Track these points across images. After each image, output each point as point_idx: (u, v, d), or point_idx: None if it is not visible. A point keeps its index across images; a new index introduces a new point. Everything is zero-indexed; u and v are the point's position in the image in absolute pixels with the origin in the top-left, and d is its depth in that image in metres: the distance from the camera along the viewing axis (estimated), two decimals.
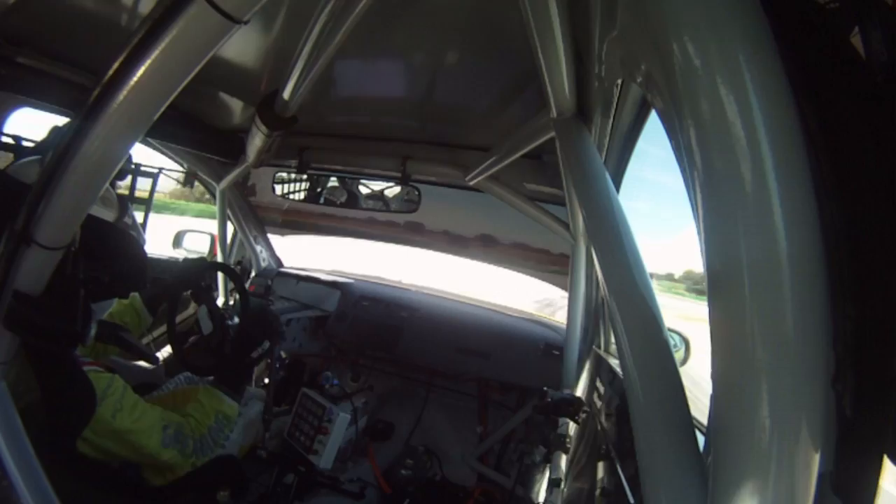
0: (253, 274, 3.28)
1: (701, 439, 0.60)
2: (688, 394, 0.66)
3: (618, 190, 1.00)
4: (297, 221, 3.31)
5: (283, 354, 2.31)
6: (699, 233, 0.49)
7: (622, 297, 0.77)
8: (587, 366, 2.26)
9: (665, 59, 0.52)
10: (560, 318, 2.96)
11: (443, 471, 2.75)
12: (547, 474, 1.99)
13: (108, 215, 1.58)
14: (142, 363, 2.12)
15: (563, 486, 1.88)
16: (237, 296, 2.34)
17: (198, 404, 1.78)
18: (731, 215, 0.45)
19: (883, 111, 0.40)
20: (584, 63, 1.01)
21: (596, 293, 2.22)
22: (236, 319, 2.23)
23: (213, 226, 3.09)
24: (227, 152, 2.31)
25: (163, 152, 2.62)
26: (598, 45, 0.90)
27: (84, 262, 1.28)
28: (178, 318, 2.41)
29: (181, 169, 2.86)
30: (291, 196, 2.59)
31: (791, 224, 0.42)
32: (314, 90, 1.65)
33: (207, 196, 3.19)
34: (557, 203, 2.17)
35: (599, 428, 1.73)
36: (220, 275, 3.02)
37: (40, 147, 1.56)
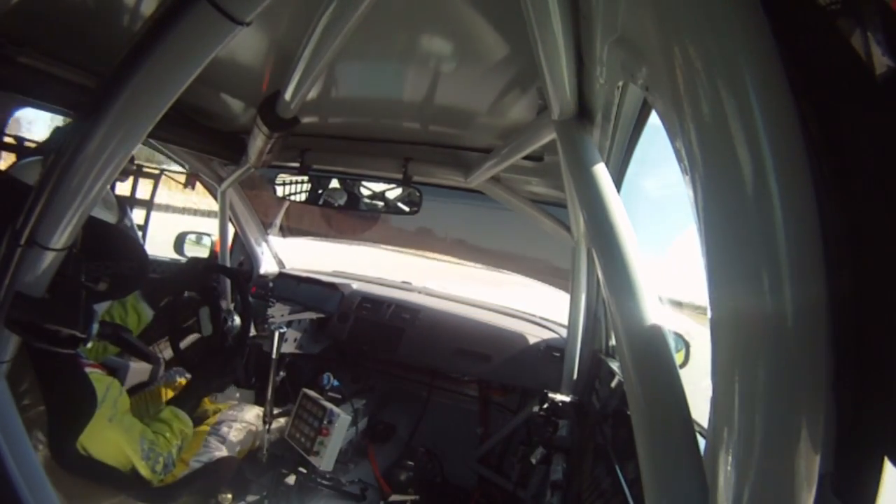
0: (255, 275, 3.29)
1: (701, 441, 0.60)
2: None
3: (619, 191, 1.00)
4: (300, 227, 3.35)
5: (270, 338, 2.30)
6: (699, 233, 0.49)
7: (623, 299, 0.77)
8: (588, 368, 2.26)
9: (666, 60, 0.52)
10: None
11: (443, 472, 2.75)
12: (547, 476, 1.99)
13: (110, 217, 1.58)
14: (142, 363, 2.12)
15: (563, 487, 1.87)
16: (238, 297, 2.34)
17: (164, 425, 1.77)
18: (731, 215, 0.45)
19: (883, 112, 0.40)
20: (586, 65, 1.02)
21: (597, 295, 2.22)
22: (237, 320, 2.24)
23: None
24: (228, 153, 2.31)
25: (164, 153, 2.63)
26: (599, 47, 0.90)
27: (85, 264, 1.29)
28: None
29: (183, 170, 2.87)
30: (292, 197, 2.59)
31: (791, 224, 0.42)
32: (316, 91, 1.65)
33: None
34: (558, 205, 2.17)
35: (600, 430, 1.72)
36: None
37: (42, 148, 1.57)
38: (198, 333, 2.20)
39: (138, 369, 2.19)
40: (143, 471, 1.59)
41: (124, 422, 1.55)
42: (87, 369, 1.49)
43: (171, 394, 2.08)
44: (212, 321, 2.15)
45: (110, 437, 1.48)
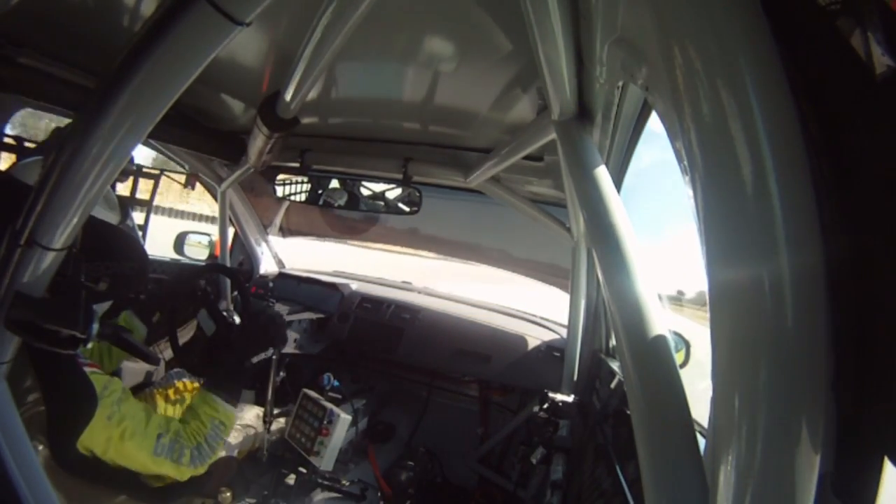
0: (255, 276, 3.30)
1: (701, 441, 0.60)
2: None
3: (619, 191, 1.00)
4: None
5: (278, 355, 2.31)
6: (699, 233, 0.49)
7: (623, 299, 0.77)
8: (588, 367, 2.26)
9: (665, 60, 0.52)
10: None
11: (443, 472, 2.75)
12: (547, 476, 1.99)
13: (112, 217, 1.59)
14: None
15: (563, 487, 1.87)
16: (238, 296, 2.35)
17: (192, 412, 1.75)
18: (732, 216, 0.45)
19: (883, 112, 0.40)
20: (586, 65, 1.01)
21: (597, 295, 2.22)
22: (237, 320, 2.24)
23: None
24: (228, 154, 2.31)
25: (164, 153, 2.63)
26: (599, 48, 0.90)
27: (85, 264, 1.29)
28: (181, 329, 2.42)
29: (182, 170, 2.87)
30: (292, 197, 2.59)
31: (791, 224, 0.42)
32: (316, 92, 1.65)
33: None
34: (558, 205, 2.17)
35: (600, 430, 1.72)
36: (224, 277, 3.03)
37: (42, 148, 1.57)
38: (201, 334, 2.22)
39: (135, 369, 2.20)
40: (160, 467, 1.56)
41: (136, 418, 1.52)
42: (86, 369, 1.49)
43: (163, 401, 2.07)
44: (212, 318, 2.16)
45: (112, 436, 1.47)
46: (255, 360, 2.12)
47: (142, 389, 2.11)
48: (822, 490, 0.43)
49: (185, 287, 2.34)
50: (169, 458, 1.58)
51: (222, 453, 1.96)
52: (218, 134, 2.23)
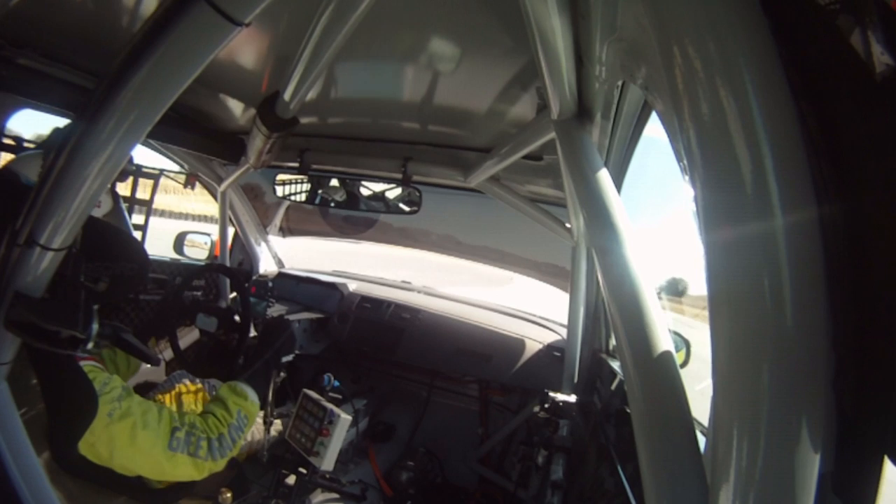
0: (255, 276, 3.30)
1: (702, 440, 0.60)
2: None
3: (619, 191, 1.00)
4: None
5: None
6: (700, 232, 0.49)
7: (623, 298, 0.77)
8: (588, 367, 2.26)
9: (665, 60, 0.52)
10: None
11: (444, 472, 2.75)
12: (548, 476, 1.99)
13: (107, 200, 1.59)
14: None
15: (563, 487, 1.87)
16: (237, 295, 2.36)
17: (219, 402, 1.72)
18: (732, 215, 0.45)
19: (883, 111, 0.40)
20: (585, 65, 1.01)
21: (597, 295, 2.22)
22: (237, 319, 2.24)
23: None
24: (227, 154, 2.31)
25: (164, 154, 2.63)
26: (598, 47, 0.90)
27: (85, 264, 1.28)
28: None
29: (182, 170, 2.87)
30: (292, 198, 2.59)
31: (791, 224, 0.42)
32: (315, 91, 1.65)
33: None
34: (558, 205, 2.17)
35: (601, 429, 1.72)
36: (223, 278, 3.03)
37: (42, 147, 1.57)
38: (204, 335, 2.22)
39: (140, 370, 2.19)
40: (178, 465, 1.52)
41: (145, 413, 1.48)
42: (85, 363, 1.46)
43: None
44: (212, 315, 2.16)
45: (115, 435, 1.43)
46: (284, 359, 2.15)
47: (144, 393, 2.11)
48: (822, 490, 0.43)
49: (175, 309, 2.34)
50: (185, 452, 1.53)
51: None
52: (217, 134, 2.23)
